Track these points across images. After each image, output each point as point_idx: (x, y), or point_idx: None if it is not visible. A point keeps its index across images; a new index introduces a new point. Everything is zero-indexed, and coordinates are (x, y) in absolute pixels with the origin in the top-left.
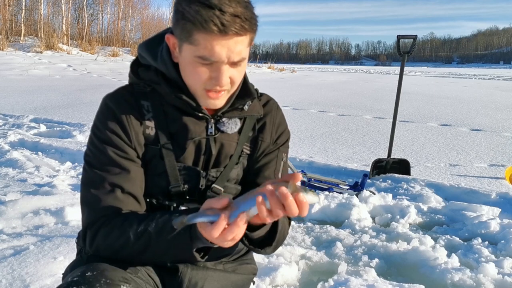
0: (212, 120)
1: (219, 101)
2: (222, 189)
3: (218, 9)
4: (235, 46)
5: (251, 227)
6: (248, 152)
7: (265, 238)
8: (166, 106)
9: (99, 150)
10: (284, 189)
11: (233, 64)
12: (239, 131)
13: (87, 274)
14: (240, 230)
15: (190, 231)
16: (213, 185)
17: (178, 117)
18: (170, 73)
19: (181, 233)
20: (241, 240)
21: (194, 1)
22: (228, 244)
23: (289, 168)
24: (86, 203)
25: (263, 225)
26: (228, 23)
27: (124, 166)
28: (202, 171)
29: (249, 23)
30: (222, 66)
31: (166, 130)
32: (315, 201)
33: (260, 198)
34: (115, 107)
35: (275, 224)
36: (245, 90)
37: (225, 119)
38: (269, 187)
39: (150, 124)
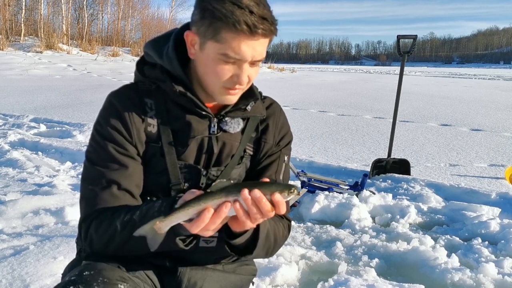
0: (215, 119)
1: (235, 97)
2: None
3: (248, 10)
4: (259, 47)
5: (232, 235)
6: (251, 153)
7: (247, 246)
8: (170, 104)
9: (99, 146)
10: (256, 191)
11: (253, 64)
12: (242, 131)
13: (84, 274)
14: (222, 219)
15: None
16: (213, 183)
17: (181, 115)
18: (175, 71)
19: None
20: (223, 245)
21: (225, 0)
22: (209, 234)
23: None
24: (84, 198)
25: (245, 232)
26: (258, 24)
27: (123, 163)
28: (202, 169)
29: (274, 26)
30: (244, 65)
31: (168, 128)
32: (295, 199)
33: (234, 201)
34: (118, 104)
35: (257, 232)
36: (249, 91)
37: (228, 119)
38: (245, 190)
39: (153, 121)
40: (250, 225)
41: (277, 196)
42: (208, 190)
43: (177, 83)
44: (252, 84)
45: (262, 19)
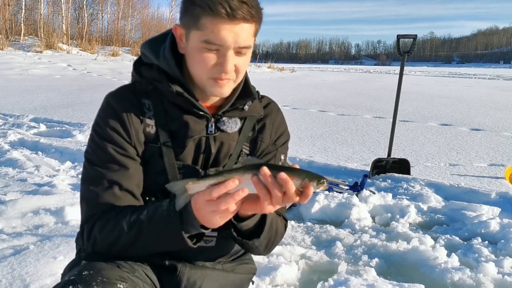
0: (213, 119)
1: (225, 89)
2: None
3: None
4: (242, 33)
5: (240, 219)
6: (247, 152)
7: (254, 231)
8: (167, 104)
9: (99, 147)
10: (283, 174)
11: (239, 52)
12: (239, 131)
13: (84, 273)
14: (234, 203)
15: (181, 215)
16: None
17: (178, 116)
18: (172, 71)
19: (171, 217)
20: (230, 230)
21: None
22: (218, 221)
23: None
24: (85, 200)
25: (253, 216)
26: (236, 7)
27: (123, 163)
28: (200, 170)
29: (256, 10)
30: (228, 52)
31: (166, 128)
32: (322, 189)
33: (256, 179)
34: (116, 105)
35: (264, 219)
36: (246, 90)
37: (225, 118)
38: (266, 171)
39: (151, 122)
40: (268, 209)
41: (305, 184)
42: (240, 166)
43: (174, 84)
44: (249, 83)
45: (241, 3)
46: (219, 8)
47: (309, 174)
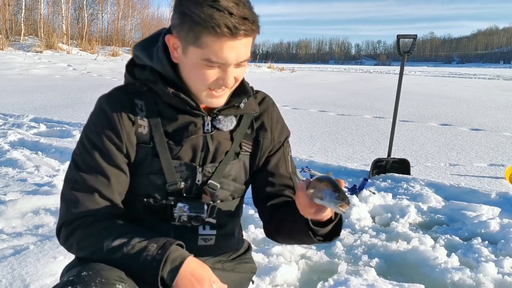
0: (208, 118)
1: (222, 99)
2: (219, 185)
3: (227, 12)
4: (242, 48)
5: (319, 223)
6: (250, 150)
7: (328, 233)
8: (161, 105)
9: (87, 151)
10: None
11: (238, 65)
12: (236, 128)
13: (82, 274)
14: None
15: (163, 267)
16: (210, 180)
17: (173, 116)
18: (166, 72)
19: (153, 266)
20: (307, 233)
21: (203, 4)
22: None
23: None
24: (65, 201)
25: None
26: (238, 25)
27: (107, 172)
28: (198, 166)
29: (256, 24)
30: (229, 68)
31: (160, 128)
32: (341, 211)
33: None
34: (108, 109)
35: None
36: (241, 88)
37: (221, 117)
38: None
39: (143, 123)
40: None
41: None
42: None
43: (168, 84)
44: (244, 81)
45: (243, 20)
46: (223, 28)
47: (337, 192)
